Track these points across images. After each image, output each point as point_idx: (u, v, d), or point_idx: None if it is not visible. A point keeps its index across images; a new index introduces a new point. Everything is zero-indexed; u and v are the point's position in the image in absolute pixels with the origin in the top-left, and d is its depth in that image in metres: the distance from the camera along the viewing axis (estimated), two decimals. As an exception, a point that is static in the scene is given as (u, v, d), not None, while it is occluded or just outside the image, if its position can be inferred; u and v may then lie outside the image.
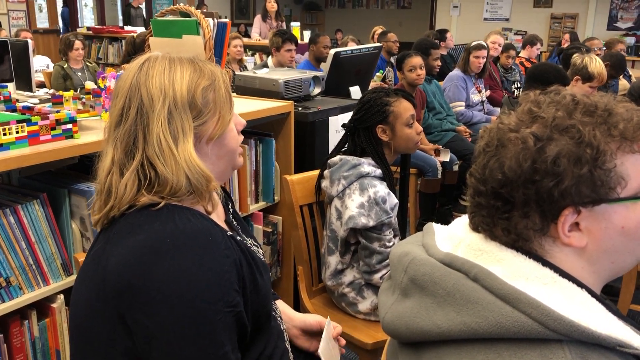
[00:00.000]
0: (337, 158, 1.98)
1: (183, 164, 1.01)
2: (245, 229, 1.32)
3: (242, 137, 1.18)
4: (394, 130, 1.97)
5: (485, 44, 4.69)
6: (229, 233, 1.08)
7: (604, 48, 6.14)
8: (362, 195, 1.87)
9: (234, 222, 1.29)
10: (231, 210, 1.32)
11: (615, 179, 0.74)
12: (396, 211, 1.94)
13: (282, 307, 1.46)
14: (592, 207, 0.75)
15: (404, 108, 1.97)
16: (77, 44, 5.25)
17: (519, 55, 6.25)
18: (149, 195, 1.01)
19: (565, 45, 6.67)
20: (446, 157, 3.82)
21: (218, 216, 1.19)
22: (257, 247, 1.28)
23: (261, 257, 1.24)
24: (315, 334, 1.46)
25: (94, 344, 1.01)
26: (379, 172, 1.93)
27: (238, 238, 1.11)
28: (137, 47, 4.23)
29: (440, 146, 3.93)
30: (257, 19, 7.78)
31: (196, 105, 1.04)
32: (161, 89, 1.02)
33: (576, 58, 3.35)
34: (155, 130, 1.01)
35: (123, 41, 7.31)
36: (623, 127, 0.75)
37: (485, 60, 4.62)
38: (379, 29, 6.48)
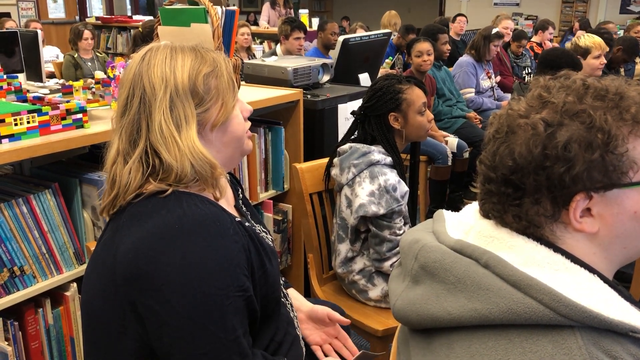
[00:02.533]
0: (346, 146, 1.98)
1: (186, 151, 1.01)
2: (254, 215, 1.32)
3: (249, 124, 1.18)
4: (406, 117, 1.96)
5: (501, 32, 4.67)
6: (238, 219, 1.09)
7: (621, 32, 6.05)
8: (372, 183, 1.87)
9: (244, 208, 1.30)
10: (241, 196, 1.33)
11: (627, 164, 0.73)
12: (406, 199, 1.93)
13: (294, 295, 1.47)
14: (604, 193, 0.74)
15: (416, 95, 1.96)
16: (87, 33, 5.26)
17: (531, 40, 6.19)
18: (156, 182, 1.02)
19: (575, 31, 6.62)
20: (453, 146, 3.81)
21: (227, 202, 1.19)
22: (266, 234, 1.29)
23: (270, 243, 1.24)
24: (322, 325, 1.45)
25: (105, 330, 1.03)
26: (389, 160, 1.92)
27: (247, 224, 1.11)
28: (143, 37, 4.23)
29: (450, 134, 3.92)
30: (266, 6, 7.74)
31: (198, 92, 1.04)
32: (162, 77, 1.03)
33: (570, 46, 3.45)
34: (158, 118, 1.02)
35: (132, 31, 7.32)
36: (635, 111, 0.74)
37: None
38: (395, 18, 6.35)
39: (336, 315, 1.43)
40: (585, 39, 3.45)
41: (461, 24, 6.56)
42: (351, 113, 2.06)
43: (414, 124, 1.97)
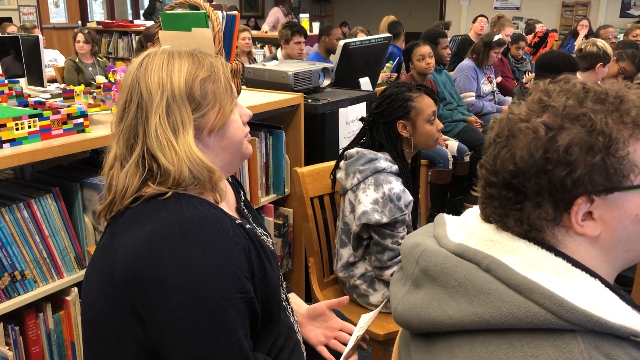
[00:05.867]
0: (354, 150, 1.97)
1: (183, 156, 1.01)
2: (255, 218, 1.32)
3: (248, 128, 1.18)
4: (414, 126, 1.94)
5: (504, 40, 4.68)
6: (238, 221, 1.09)
7: (621, 35, 6.05)
8: (376, 191, 1.86)
9: (245, 211, 1.30)
10: (242, 198, 1.33)
11: (629, 167, 0.73)
12: (410, 208, 1.92)
13: (293, 299, 1.46)
14: (606, 196, 0.74)
15: (426, 104, 1.94)
16: (79, 36, 5.14)
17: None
18: (155, 185, 1.02)
19: (580, 30, 6.62)
20: (453, 150, 3.81)
21: (228, 205, 1.19)
22: (267, 237, 1.28)
23: (271, 246, 1.24)
24: (322, 321, 1.45)
25: (105, 333, 1.02)
26: (395, 168, 1.91)
27: (247, 226, 1.11)
28: (144, 42, 4.24)
29: (450, 138, 3.93)
30: (274, 11, 7.71)
31: (194, 97, 1.05)
32: (159, 82, 1.03)
33: (588, 47, 3.35)
34: (154, 124, 1.02)
35: (133, 35, 7.33)
36: (635, 114, 0.74)
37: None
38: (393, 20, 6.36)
39: (332, 300, 1.44)
40: (604, 45, 3.41)
41: (482, 23, 6.55)
42: (360, 119, 2.05)
43: (422, 133, 1.95)
